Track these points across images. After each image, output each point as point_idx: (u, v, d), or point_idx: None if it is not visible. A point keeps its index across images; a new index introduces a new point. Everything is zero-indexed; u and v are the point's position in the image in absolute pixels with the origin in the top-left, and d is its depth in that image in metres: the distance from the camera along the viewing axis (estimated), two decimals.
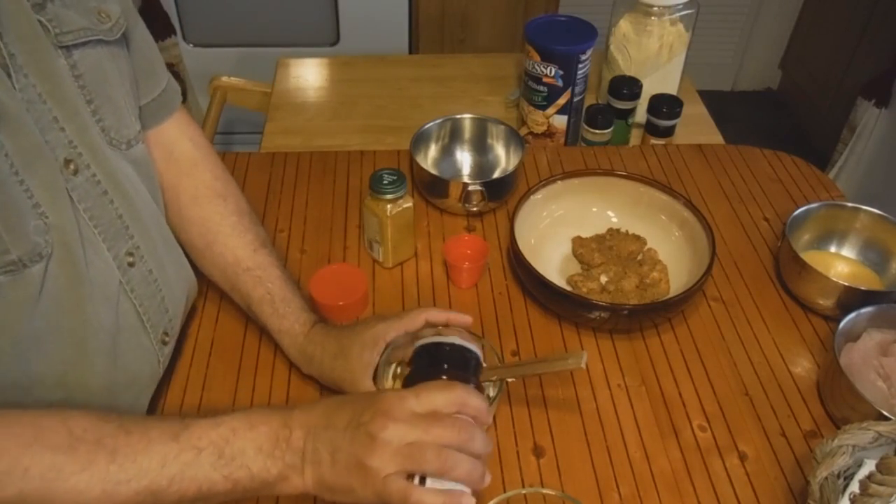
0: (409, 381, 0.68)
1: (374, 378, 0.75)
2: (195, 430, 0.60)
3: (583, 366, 0.73)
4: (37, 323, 0.65)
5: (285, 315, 0.82)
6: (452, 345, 0.67)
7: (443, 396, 0.61)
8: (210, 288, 0.93)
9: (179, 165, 0.86)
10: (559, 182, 1.01)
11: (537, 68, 1.15)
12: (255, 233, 0.86)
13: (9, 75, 0.61)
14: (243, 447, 0.60)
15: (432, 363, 0.67)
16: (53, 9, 0.66)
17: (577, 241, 0.99)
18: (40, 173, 0.63)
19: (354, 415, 0.60)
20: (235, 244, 0.85)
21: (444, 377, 0.65)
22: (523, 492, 0.68)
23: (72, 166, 0.67)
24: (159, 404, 0.81)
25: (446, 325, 0.77)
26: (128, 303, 0.74)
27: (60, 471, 0.55)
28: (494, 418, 0.80)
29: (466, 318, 0.79)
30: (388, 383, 0.79)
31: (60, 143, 0.66)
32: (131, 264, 0.74)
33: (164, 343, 0.79)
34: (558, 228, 1.01)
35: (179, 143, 0.87)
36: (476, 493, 0.60)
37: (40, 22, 0.65)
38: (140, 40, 0.81)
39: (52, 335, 0.67)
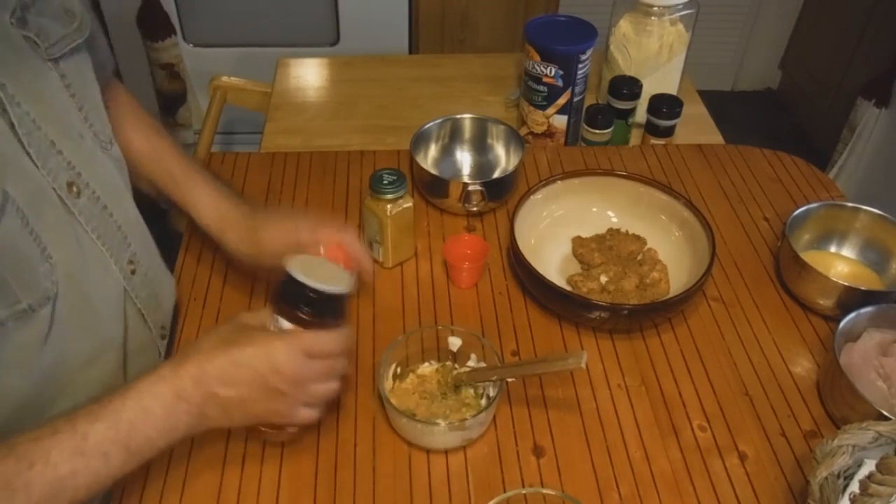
0: (276, 303, 0.70)
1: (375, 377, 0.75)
2: (95, 437, 0.59)
3: (583, 366, 0.73)
4: (47, 356, 0.66)
5: (187, 191, 0.85)
6: (318, 292, 0.68)
7: (326, 349, 0.68)
8: (210, 288, 0.93)
9: None
10: (559, 182, 1.01)
11: (537, 68, 1.15)
12: (147, 123, 0.87)
13: (4, 110, 0.60)
14: (147, 435, 0.62)
15: (296, 304, 0.68)
16: (34, 20, 0.66)
17: (577, 241, 0.99)
18: (45, 215, 0.63)
19: (258, 377, 0.65)
20: (130, 137, 0.85)
21: (306, 318, 0.69)
22: (523, 492, 0.68)
23: (74, 189, 0.67)
24: None
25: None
26: (132, 308, 0.76)
27: None
28: (494, 418, 0.80)
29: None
30: (388, 383, 0.79)
31: (60, 168, 0.66)
32: (133, 272, 0.76)
33: (163, 337, 0.83)
34: (558, 228, 1.01)
35: None
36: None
37: (27, 38, 0.65)
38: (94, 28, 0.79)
39: (64, 362, 0.68)
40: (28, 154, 0.63)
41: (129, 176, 0.82)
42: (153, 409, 0.62)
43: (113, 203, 0.73)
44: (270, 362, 0.65)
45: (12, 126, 0.61)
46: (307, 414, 0.70)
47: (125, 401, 0.61)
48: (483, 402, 0.80)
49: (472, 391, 0.81)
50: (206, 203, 0.85)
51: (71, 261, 0.66)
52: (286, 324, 0.69)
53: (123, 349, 0.75)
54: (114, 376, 0.75)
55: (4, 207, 0.59)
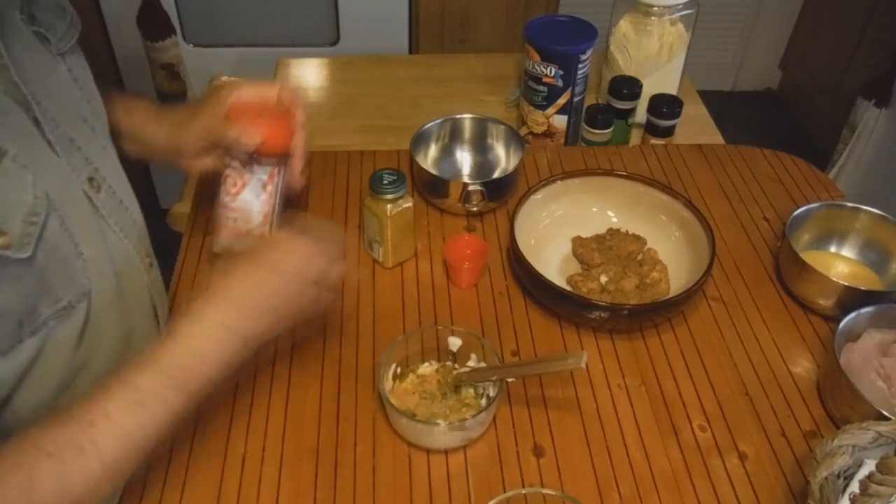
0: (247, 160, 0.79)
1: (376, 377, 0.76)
2: (148, 387, 0.60)
3: (583, 366, 0.73)
4: (82, 351, 0.67)
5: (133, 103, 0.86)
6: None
7: (327, 240, 0.73)
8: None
9: None
10: (559, 182, 1.01)
11: (537, 68, 1.15)
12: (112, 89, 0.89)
13: (28, 108, 0.60)
14: (205, 372, 0.63)
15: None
16: (41, 16, 0.66)
17: (577, 241, 0.99)
18: (73, 211, 0.64)
19: (290, 290, 0.68)
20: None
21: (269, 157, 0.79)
22: (523, 492, 0.68)
23: (95, 183, 0.68)
24: None
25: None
26: (149, 301, 0.76)
27: (67, 489, 0.55)
28: (494, 418, 0.80)
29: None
30: (388, 384, 0.79)
31: (80, 164, 0.66)
32: (151, 264, 0.77)
33: (159, 330, 0.83)
34: (558, 228, 1.01)
35: None
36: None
37: (38, 34, 0.65)
38: None
39: (97, 356, 0.69)
40: (55, 151, 0.63)
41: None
42: (204, 350, 0.62)
43: (127, 198, 0.74)
44: (295, 274, 0.68)
45: (37, 123, 0.61)
46: (330, 296, 0.74)
47: (173, 346, 0.62)
48: (483, 402, 0.80)
49: (472, 391, 0.81)
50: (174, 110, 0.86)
51: (99, 256, 0.67)
52: (262, 172, 0.78)
53: (143, 344, 0.76)
54: None
55: (48, 209, 0.59)
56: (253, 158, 0.78)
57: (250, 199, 0.80)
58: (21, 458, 0.55)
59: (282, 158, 0.79)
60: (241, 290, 0.65)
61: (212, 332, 0.63)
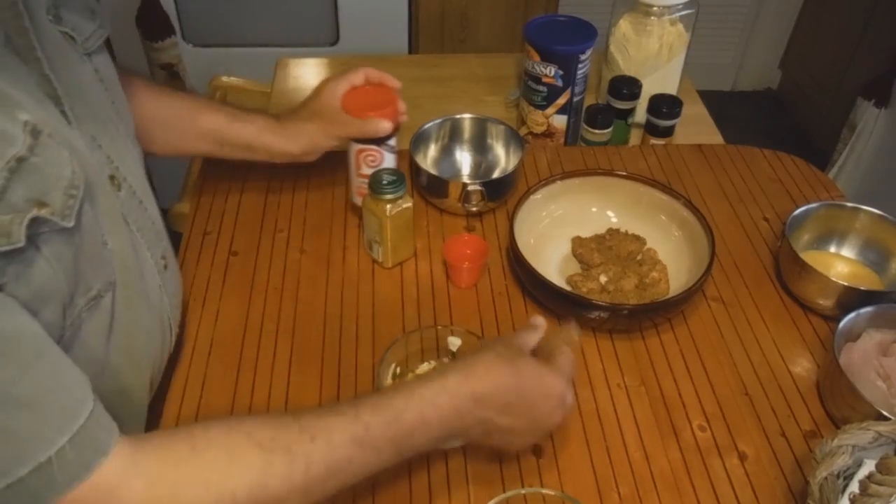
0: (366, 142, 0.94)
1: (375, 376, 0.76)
2: (375, 431, 0.61)
3: (576, 337, 0.75)
4: (112, 345, 0.67)
5: (246, 118, 0.96)
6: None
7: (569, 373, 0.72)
8: (210, 288, 0.93)
9: None
10: (559, 182, 1.01)
11: (537, 68, 1.15)
12: (190, 95, 0.98)
13: (59, 101, 0.60)
14: (418, 442, 0.63)
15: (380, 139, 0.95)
16: (67, 17, 0.66)
17: (577, 241, 0.99)
18: (101, 202, 0.64)
19: (532, 408, 0.68)
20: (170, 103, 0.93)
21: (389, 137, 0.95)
22: (523, 492, 0.68)
23: (115, 182, 0.68)
24: (158, 404, 0.81)
25: (380, 84, 0.98)
26: (161, 304, 0.76)
27: (265, 487, 0.56)
28: None
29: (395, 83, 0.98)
30: (388, 383, 0.79)
31: (102, 162, 0.66)
32: (165, 266, 0.77)
33: (173, 334, 0.82)
34: (558, 228, 1.01)
35: None
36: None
37: (64, 34, 0.65)
38: None
39: (120, 353, 0.69)
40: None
41: (172, 136, 0.93)
42: (431, 420, 0.63)
43: (147, 199, 0.74)
44: (545, 391, 0.68)
45: (64, 117, 0.61)
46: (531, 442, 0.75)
47: (409, 402, 0.63)
48: None
49: None
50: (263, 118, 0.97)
51: (122, 251, 0.67)
52: (390, 141, 0.95)
53: (158, 344, 0.76)
54: (157, 372, 0.77)
55: (85, 186, 0.59)
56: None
57: (388, 163, 0.97)
58: (230, 439, 0.57)
59: (396, 125, 0.95)
60: (491, 394, 0.65)
61: (445, 411, 0.64)
